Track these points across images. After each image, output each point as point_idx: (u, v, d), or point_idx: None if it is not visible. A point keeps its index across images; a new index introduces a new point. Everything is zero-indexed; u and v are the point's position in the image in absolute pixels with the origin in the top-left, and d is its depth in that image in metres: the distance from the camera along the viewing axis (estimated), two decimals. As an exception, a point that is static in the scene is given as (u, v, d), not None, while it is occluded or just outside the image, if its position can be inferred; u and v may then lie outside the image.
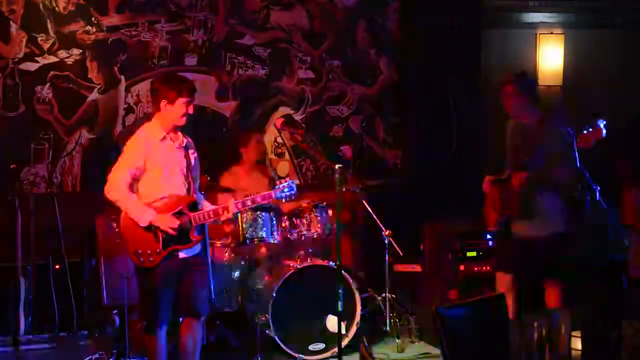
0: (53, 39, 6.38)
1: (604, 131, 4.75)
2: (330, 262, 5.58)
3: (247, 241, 5.73)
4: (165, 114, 4.44)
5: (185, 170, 4.51)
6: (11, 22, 6.28)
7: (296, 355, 5.38)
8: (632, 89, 7.26)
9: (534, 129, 5.04)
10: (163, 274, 4.43)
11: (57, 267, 5.73)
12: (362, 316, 5.61)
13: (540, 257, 4.98)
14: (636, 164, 5.02)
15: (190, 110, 4.48)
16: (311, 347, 5.45)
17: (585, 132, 4.71)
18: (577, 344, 4.76)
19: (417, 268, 6.33)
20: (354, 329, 5.52)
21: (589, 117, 4.87)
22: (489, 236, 5.86)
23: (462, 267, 6.06)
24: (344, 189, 4.37)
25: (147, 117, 4.90)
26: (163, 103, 4.42)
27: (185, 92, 4.44)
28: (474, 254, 6.14)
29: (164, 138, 4.47)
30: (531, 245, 4.98)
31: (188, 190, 4.52)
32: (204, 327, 4.79)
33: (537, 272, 5.04)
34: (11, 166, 5.97)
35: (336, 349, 4.80)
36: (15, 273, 5.49)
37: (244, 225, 5.73)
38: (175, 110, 4.43)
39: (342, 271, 4.87)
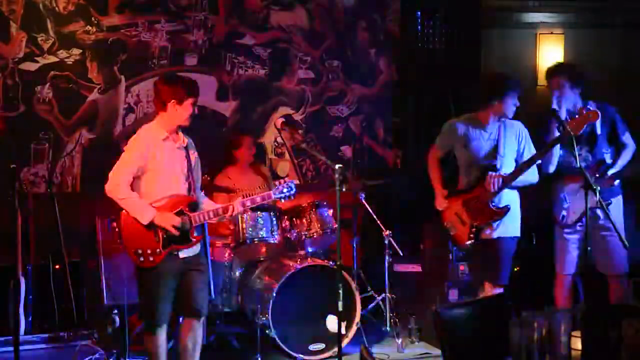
0: (53, 39, 6.38)
1: (599, 113, 4.77)
2: (330, 262, 5.58)
3: (247, 241, 5.74)
4: (172, 114, 4.45)
5: (186, 170, 4.52)
6: (11, 22, 6.28)
7: (296, 355, 5.39)
8: (632, 89, 7.26)
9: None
10: (163, 274, 4.43)
11: (57, 267, 5.73)
12: (362, 316, 5.62)
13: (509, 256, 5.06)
14: None
15: (196, 111, 4.50)
16: (311, 347, 5.45)
17: (577, 116, 4.74)
18: (577, 344, 4.75)
19: (417, 268, 6.33)
20: (354, 329, 5.52)
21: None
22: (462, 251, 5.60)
23: (462, 267, 6.05)
24: (343, 189, 4.36)
25: (148, 117, 4.90)
26: (171, 103, 4.42)
27: (193, 92, 4.46)
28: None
29: (166, 138, 4.47)
30: (500, 245, 5.02)
31: (189, 190, 4.53)
32: (204, 327, 4.79)
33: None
34: (11, 166, 5.96)
35: (336, 349, 4.80)
36: (15, 273, 5.48)
37: (244, 225, 5.73)
38: (183, 111, 4.44)
39: (342, 271, 4.87)
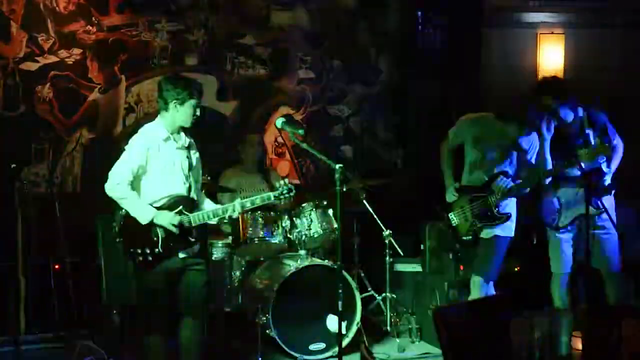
0: (53, 39, 6.38)
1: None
2: (330, 262, 5.58)
3: (247, 241, 5.74)
4: (174, 115, 4.44)
5: (187, 170, 4.51)
6: (12, 22, 6.28)
7: (296, 355, 5.39)
8: (632, 89, 7.26)
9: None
10: (162, 274, 4.43)
11: (57, 267, 5.73)
12: (362, 316, 5.62)
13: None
14: None
15: (198, 112, 4.49)
16: (311, 347, 5.45)
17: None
18: (577, 344, 4.75)
19: (417, 268, 6.33)
20: (354, 329, 5.52)
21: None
22: (457, 245, 5.55)
23: (462, 267, 6.05)
24: (344, 189, 4.36)
25: (148, 117, 4.90)
26: (173, 104, 4.42)
27: (196, 94, 4.45)
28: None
29: (168, 138, 4.47)
30: (494, 243, 5.09)
31: (189, 190, 4.52)
32: (204, 327, 4.79)
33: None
34: (11, 166, 5.98)
35: (336, 349, 4.80)
36: (15, 273, 5.49)
37: (244, 225, 5.73)
38: (184, 112, 4.43)
39: (342, 271, 4.87)
